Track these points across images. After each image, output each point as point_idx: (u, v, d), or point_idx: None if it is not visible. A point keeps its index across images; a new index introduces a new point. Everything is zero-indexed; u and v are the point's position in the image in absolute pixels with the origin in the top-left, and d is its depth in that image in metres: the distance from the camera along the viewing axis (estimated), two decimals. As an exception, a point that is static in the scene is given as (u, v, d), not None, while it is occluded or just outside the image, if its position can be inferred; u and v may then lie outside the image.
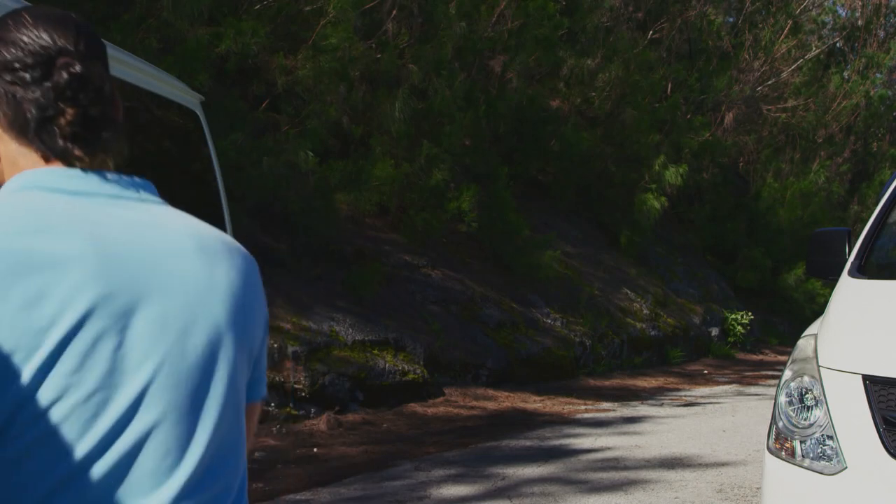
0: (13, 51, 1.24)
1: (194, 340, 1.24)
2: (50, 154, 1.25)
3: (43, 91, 1.23)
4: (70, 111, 1.24)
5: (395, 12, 11.85)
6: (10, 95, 1.24)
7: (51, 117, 1.23)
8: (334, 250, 10.38)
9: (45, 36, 1.24)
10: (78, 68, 1.24)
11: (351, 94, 11.01)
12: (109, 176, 1.28)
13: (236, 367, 1.30)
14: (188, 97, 3.98)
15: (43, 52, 1.23)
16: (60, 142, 1.24)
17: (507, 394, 10.29)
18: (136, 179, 1.31)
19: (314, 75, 10.11)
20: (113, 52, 3.40)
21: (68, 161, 1.25)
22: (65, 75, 1.23)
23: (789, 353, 3.70)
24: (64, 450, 1.14)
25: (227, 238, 1.36)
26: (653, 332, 14.51)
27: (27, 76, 1.23)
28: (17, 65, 1.24)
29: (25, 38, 1.24)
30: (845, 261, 3.91)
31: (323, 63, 10.11)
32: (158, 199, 1.33)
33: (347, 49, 10.31)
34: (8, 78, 1.24)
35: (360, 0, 10.86)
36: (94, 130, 1.26)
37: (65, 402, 1.14)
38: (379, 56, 11.24)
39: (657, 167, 15.98)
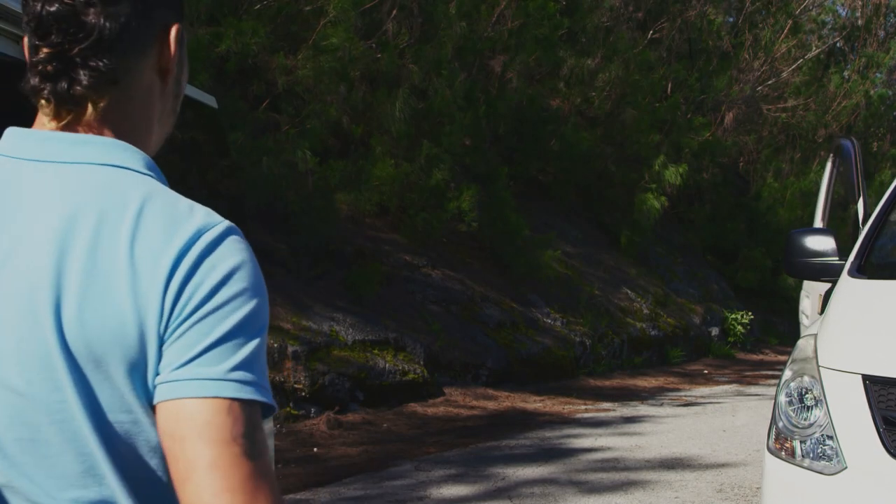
0: None
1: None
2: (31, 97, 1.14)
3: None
4: (45, 49, 1.12)
5: (395, 12, 11.85)
6: None
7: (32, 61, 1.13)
8: (334, 250, 10.38)
9: None
10: (55, 6, 1.11)
11: (351, 94, 11.01)
12: (57, 136, 1.12)
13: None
14: (209, 96, 4.05)
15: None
16: (32, 81, 1.14)
17: (507, 394, 10.29)
18: (92, 139, 1.13)
19: (314, 75, 10.11)
20: None
21: (40, 103, 1.14)
22: (38, 6, 1.12)
23: (789, 353, 3.70)
24: None
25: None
26: (653, 332, 14.50)
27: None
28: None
29: None
30: (827, 261, 3.93)
31: (323, 63, 10.11)
32: (116, 166, 1.13)
33: (347, 49, 10.31)
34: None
35: (360, 0, 10.86)
36: (62, 70, 1.12)
37: None
38: (379, 56, 11.24)
39: (657, 167, 15.98)
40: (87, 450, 1.07)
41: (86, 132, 1.14)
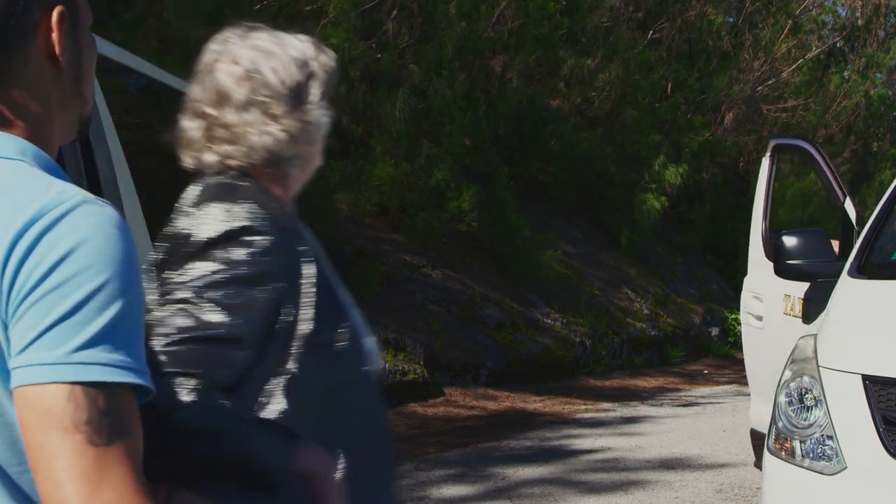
0: None
1: None
2: None
3: None
4: None
5: (395, 12, 11.85)
6: None
7: None
8: (334, 250, 10.37)
9: None
10: None
11: (351, 94, 11.01)
12: None
13: None
14: None
15: None
16: None
17: (507, 394, 10.28)
18: None
19: (314, 75, 10.10)
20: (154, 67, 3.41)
21: None
22: None
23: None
24: None
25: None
26: (653, 332, 14.50)
27: None
28: None
29: None
30: (826, 261, 3.93)
31: (323, 63, 10.11)
32: None
33: (347, 49, 10.30)
34: None
35: (360, 0, 10.85)
36: None
37: None
38: (379, 56, 11.23)
39: (657, 167, 15.97)
40: None
41: None
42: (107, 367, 1.04)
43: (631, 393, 11.49)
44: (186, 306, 1.50)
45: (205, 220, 1.60)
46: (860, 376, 3.18)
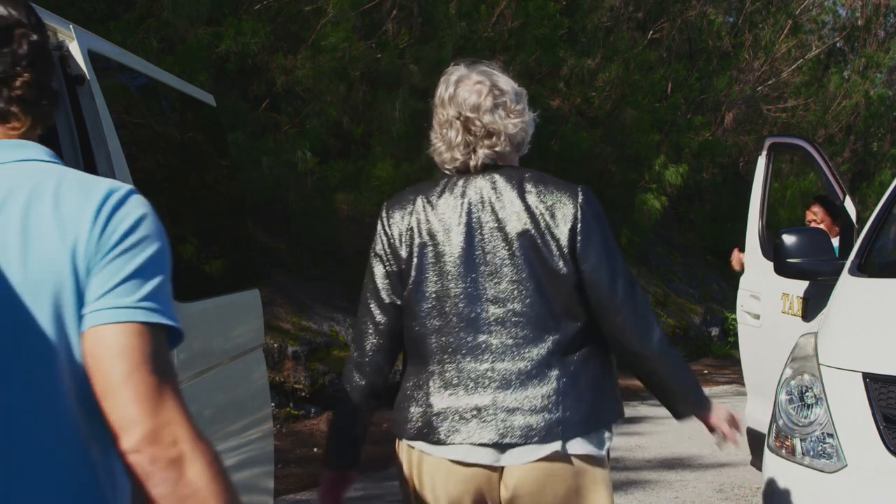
0: None
1: None
2: None
3: (2, 56, 1.39)
4: (26, 75, 1.40)
5: (395, 12, 11.85)
6: None
7: (3, 80, 1.40)
8: (334, 250, 10.38)
9: (0, 8, 1.40)
10: (35, 38, 1.41)
11: (351, 94, 11.01)
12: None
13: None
14: (208, 95, 4.06)
15: (1, 21, 1.39)
16: (2, 104, 1.40)
17: (507, 394, 10.29)
18: (22, 143, 1.42)
19: (314, 75, 10.10)
20: (146, 64, 3.43)
21: (6, 119, 1.41)
22: (24, 44, 1.40)
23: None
24: None
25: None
26: (653, 332, 14.49)
27: None
28: None
29: None
30: (827, 260, 3.93)
31: (323, 63, 10.10)
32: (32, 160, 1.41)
33: (347, 49, 10.30)
34: None
35: (360, 0, 10.85)
36: (39, 96, 1.43)
37: None
38: (379, 56, 11.23)
39: (657, 167, 15.97)
40: (35, 363, 1.30)
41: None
42: (163, 315, 1.33)
43: (631, 393, 11.48)
44: None
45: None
46: (861, 374, 3.18)
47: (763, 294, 5.44)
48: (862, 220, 4.87)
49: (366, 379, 2.46)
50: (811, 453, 3.23)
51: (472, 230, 2.36)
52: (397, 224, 2.46)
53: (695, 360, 15.14)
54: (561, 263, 2.34)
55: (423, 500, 2.39)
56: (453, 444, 2.31)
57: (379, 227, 2.51)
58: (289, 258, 9.84)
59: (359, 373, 2.46)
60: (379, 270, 2.49)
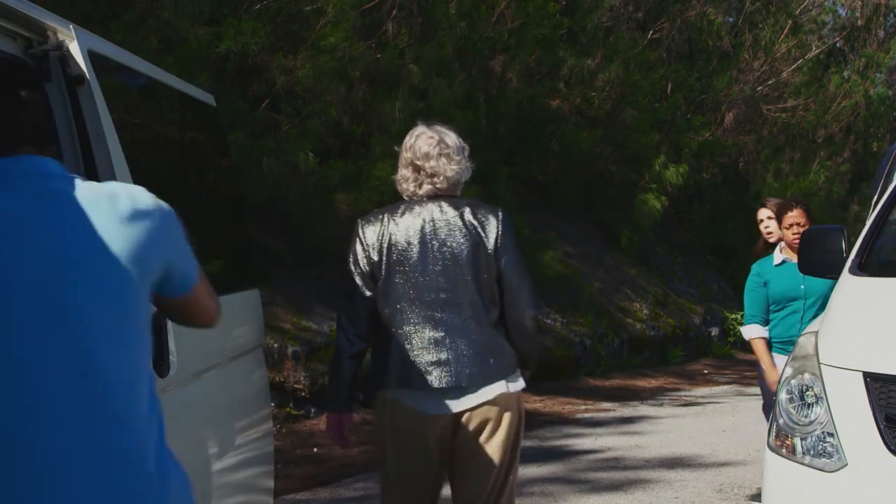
0: None
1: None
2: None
3: None
4: None
5: (395, 12, 11.85)
6: None
7: None
8: (334, 250, 10.37)
9: None
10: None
11: (351, 94, 11.01)
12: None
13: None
14: (208, 96, 4.06)
15: None
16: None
17: (507, 394, 10.29)
18: (24, 158, 1.85)
19: (314, 75, 10.10)
20: (147, 64, 3.43)
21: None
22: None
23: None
24: None
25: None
26: (653, 332, 14.50)
27: None
28: None
29: None
30: (838, 258, 3.90)
31: (323, 63, 10.10)
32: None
33: (347, 49, 10.30)
34: None
35: (360, 0, 10.85)
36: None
37: None
38: (379, 56, 11.23)
39: (657, 167, 15.97)
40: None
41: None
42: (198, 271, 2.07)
43: (631, 393, 11.49)
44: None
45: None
46: (861, 373, 3.18)
47: None
48: (861, 220, 4.88)
49: (355, 344, 3.40)
50: (811, 452, 3.23)
51: (425, 239, 3.31)
52: (370, 236, 3.36)
53: (695, 360, 15.15)
54: (489, 262, 3.31)
55: (399, 442, 3.32)
56: (421, 390, 3.25)
57: (356, 238, 3.39)
58: (289, 258, 9.84)
59: (349, 337, 3.40)
60: (357, 270, 3.37)
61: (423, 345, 3.27)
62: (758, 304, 5.42)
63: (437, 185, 3.37)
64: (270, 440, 4.00)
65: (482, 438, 3.29)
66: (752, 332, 5.42)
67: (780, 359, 5.14)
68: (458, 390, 3.25)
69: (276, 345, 8.36)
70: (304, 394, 8.39)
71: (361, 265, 3.34)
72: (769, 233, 5.84)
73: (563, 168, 15.11)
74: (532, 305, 3.44)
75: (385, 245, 3.31)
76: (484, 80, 13.77)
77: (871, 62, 22.93)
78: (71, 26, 2.71)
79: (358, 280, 3.35)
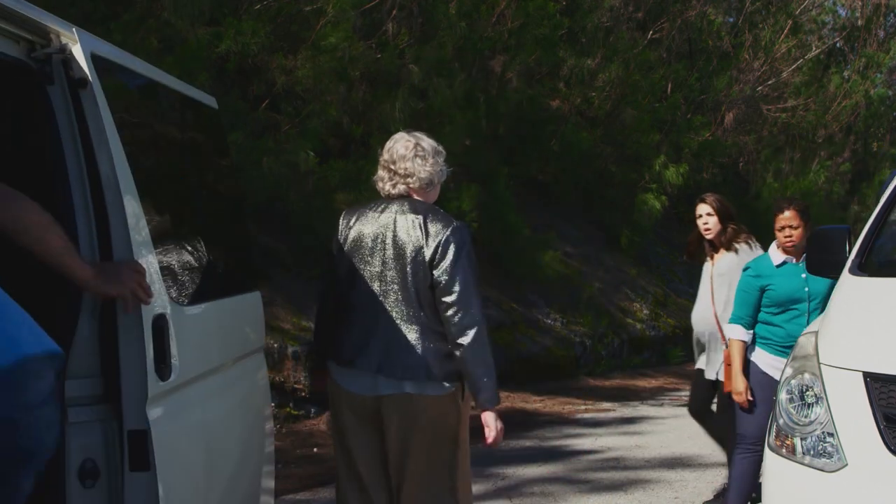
0: None
1: None
2: None
3: None
4: None
5: (395, 12, 11.85)
6: None
7: None
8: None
9: None
10: None
11: (351, 94, 11.01)
12: None
13: None
14: (209, 96, 4.07)
15: None
16: None
17: (507, 394, 10.29)
18: None
19: (314, 75, 10.10)
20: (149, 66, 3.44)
21: None
22: None
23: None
24: None
25: None
26: (653, 332, 14.50)
27: None
28: None
29: None
30: (845, 258, 3.91)
31: (323, 63, 10.10)
32: None
33: (347, 49, 10.30)
34: None
35: (360, 0, 10.85)
36: None
37: None
38: (379, 56, 11.23)
39: (657, 167, 15.96)
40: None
41: None
42: None
43: (631, 393, 11.49)
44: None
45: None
46: (861, 373, 3.19)
47: None
48: (861, 220, 4.88)
49: (327, 308, 3.83)
50: (811, 452, 3.24)
51: (378, 235, 3.64)
52: (343, 227, 3.76)
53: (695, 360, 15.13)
54: (423, 267, 3.55)
55: (338, 416, 3.70)
56: (346, 368, 3.63)
57: (339, 221, 3.80)
58: (289, 258, 9.84)
59: (323, 305, 3.86)
60: (332, 255, 3.82)
61: (353, 326, 3.63)
62: (749, 306, 5.07)
63: (411, 185, 3.68)
64: (271, 440, 4.00)
65: (392, 427, 3.56)
66: (736, 332, 5.08)
67: (782, 362, 4.94)
68: (373, 376, 3.57)
69: (276, 345, 8.37)
70: (304, 394, 8.40)
71: (333, 249, 3.79)
72: (707, 229, 5.79)
73: (563, 168, 15.10)
74: (466, 320, 3.50)
75: (350, 235, 3.70)
76: (484, 80, 13.76)
77: (871, 62, 22.91)
78: (74, 29, 2.72)
79: (331, 263, 3.82)
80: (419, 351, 3.51)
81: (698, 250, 6.00)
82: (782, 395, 3.45)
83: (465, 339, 3.48)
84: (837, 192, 21.68)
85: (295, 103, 10.62)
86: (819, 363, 3.34)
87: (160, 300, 2.82)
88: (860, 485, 3.09)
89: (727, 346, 5.21)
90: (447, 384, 3.55)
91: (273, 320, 8.54)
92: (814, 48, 22.66)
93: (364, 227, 3.67)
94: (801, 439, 3.28)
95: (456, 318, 3.49)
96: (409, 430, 3.54)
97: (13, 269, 2.56)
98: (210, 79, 8.79)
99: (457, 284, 3.51)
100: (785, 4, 21.06)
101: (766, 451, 3.48)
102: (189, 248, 3.44)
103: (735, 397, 5.01)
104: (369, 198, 11.60)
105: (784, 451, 3.35)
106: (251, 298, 3.95)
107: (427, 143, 3.75)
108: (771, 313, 5.05)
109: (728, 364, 5.11)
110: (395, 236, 3.60)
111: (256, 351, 3.94)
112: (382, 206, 3.69)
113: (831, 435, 3.20)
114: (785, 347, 4.96)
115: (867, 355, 3.25)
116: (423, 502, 3.59)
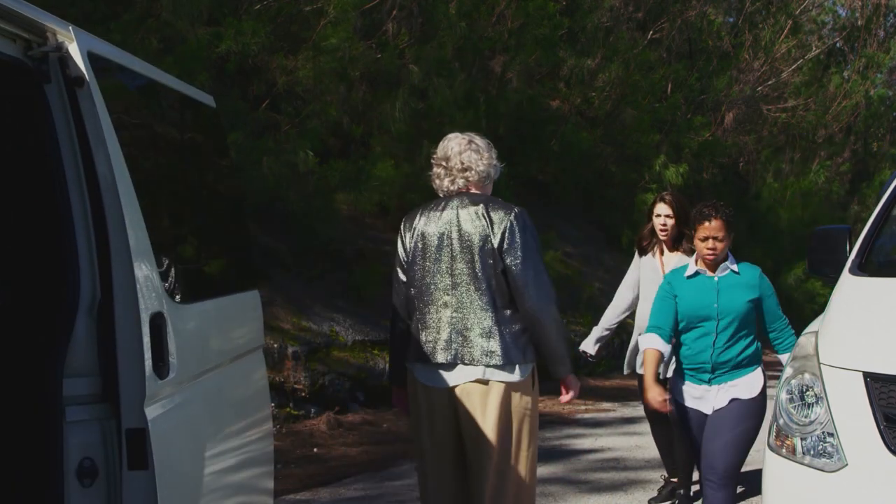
0: None
1: None
2: None
3: None
4: None
5: (395, 12, 11.85)
6: None
7: None
8: (334, 250, 10.37)
9: None
10: None
11: (351, 94, 11.00)
12: None
13: None
14: (208, 96, 4.07)
15: None
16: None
17: (507, 394, 10.29)
18: None
19: (314, 75, 10.10)
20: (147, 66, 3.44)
21: None
22: None
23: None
24: None
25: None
26: (653, 332, 14.47)
27: None
28: None
29: None
30: (846, 258, 3.90)
31: (323, 63, 10.09)
32: None
33: (347, 49, 10.30)
34: None
35: (360, 0, 10.84)
36: None
37: None
38: (379, 56, 11.23)
39: (657, 167, 15.96)
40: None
41: None
42: None
43: (631, 393, 11.47)
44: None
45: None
46: (861, 373, 3.18)
47: None
48: (861, 220, 4.87)
49: (403, 317, 3.92)
50: (811, 452, 3.24)
51: (443, 231, 3.77)
52: (407, 230, 3.88)
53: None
54: (492, 254, 3.69)
55: (413, 409, 3.86)
56: (426, 364, 3.75)
57: (400, 232, 3.92)
58: (289, 258, 9.84)
59: (400, 314, 3.93)
60: (398, 260, 3.92)
61: (430, 324, 3.75)
62: (664, 315, 4.49)
63: (470, 179, 3.82)
64: (270, 440, 4.00)
65: (470, 412, 3.70)
66: (649, 341, 4.51)
67: (691, 387, 4.51)
68: (451, 367, 3.71)
69: (276, 345, 8.36)
70: (304, 394, 8.39)
71: (399, 253, 3.89)
72: (664, 229, 5.77)
73: (563, 168, 15.10)
74: (543, 298, 3.72)
75: (414, 235, 3.82)
76: (484, 80, 13.76)
77: (871, 62, 22.90)
78: (70, 28, 2.71)
79: (397, 267, 3.92)
80: (496, 337, 3.67)
81: (648, 247, 6.01)
82: (782, 395, 3.44)
83: (544, 316, 3.71)
84: (837, 192, 21.67)
85: (295, 103, 10.62)
86: (819, 363, 3.34)
87: (158, 298, 2.81)
88: (860, 485, 3.08)
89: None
90: (523, 368, 3.74)
91: (273, 320, 8.54)
92: (814, 48, 22.66)
93: (428, 227, 3.79)
94: (801, 439, 3.28)
95: (532, 298, 3.67)
96: (488, 414, 3.67)
97: (13, 269, 2.55)
98: (210, 79, 8.78)
99: (528, 266, 3.68)
100: (785, 4, 21.06)
101: (766, 451, 3.47)
102: (186, 248, 3.43)
103: (657, 406, 4.54)
104: (369, 198, 11.59)
105: (784, 451, 3.34)
106: (249, 297, 3.95)
107: (480, 139, 3.87)
108: (680, 330, 4.54)
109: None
110: (460, 229, 3.72)
111: (255, 350, 3.93)
112: (443, 204, 3.81)
113: (831, 435, 3.19)
114: (691, 370, 4.51)
115: (867, 355, 3.25)
116: (495, 481, 3.72)
